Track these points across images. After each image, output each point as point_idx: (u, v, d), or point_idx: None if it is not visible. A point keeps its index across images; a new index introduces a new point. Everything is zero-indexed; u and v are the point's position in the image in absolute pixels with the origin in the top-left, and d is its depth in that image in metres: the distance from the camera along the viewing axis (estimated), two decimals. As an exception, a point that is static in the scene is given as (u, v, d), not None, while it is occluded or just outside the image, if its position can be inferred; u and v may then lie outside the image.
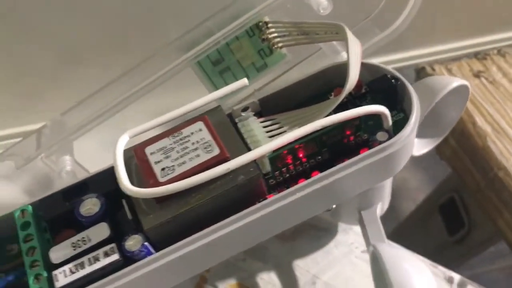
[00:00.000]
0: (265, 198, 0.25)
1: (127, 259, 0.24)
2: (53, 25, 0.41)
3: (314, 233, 0.30)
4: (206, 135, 0.25)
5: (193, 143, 0.25)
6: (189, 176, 0.24)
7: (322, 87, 0.30)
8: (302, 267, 0.35)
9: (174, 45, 0.31)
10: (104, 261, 0.24)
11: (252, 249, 0.27)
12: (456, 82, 0.30)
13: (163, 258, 0.24)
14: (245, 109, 0.28)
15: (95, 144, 0.33)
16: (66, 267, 0.24)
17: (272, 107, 0.29)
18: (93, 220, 0.25)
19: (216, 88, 0.34)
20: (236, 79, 0.33)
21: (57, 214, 0.26)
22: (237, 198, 0.25)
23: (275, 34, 0.32)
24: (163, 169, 0.25)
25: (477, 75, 0.49)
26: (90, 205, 0.26)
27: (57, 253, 0.25)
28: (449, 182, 0.57)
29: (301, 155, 0.27)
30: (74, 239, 0.25)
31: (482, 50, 0.55)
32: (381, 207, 0.34)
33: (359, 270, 0.35)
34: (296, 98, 0.30)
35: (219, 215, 0.25)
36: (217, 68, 0.33)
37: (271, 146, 0.25)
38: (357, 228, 0.37)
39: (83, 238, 0.25)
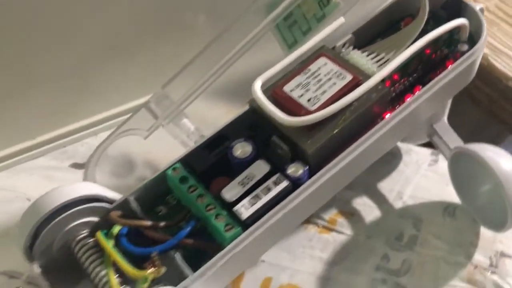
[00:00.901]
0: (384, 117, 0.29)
1: (294, 184, 0.27)
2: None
3: (384, 158, 0.34)
4: (332, 66, 0.29)
5: (325, 75, 0.29)
6: (336, 101, 0.27)
7: (392, 19, 0.34)
8: (386, 187, 0.40)
9: (255, 8, 0.34)
10: (276, 189, 0.27)
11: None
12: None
13: (323, 176, 0.28)
14: (343, 45, 0.32)
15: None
16: (244, 202, 0.27)
17: (362, 40, 0.33)
18: (249, 160, 0.28)
19: (286, 41, 0.37)
20: (302, 31, 0.37)
21: (208, 165, 0.29)
22: (369, 116, 0.29)
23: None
24: (308, 100, 0.28)
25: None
26: (241, 149, 0.29)
27: (229, 193, 0.27)
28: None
29: (396, 77, 0.32)
30: (239, 179, 0.28)
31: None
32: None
33: (432, 180, 0.40)
34: (374, 32, 0.34)
35: (357, 133, 0.29)
36: (287, 23, 0.37)
37: (391, 67, 0.29)
38: (416, 148, 0.42)
39: (247, 176, 0.28)
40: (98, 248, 0.27)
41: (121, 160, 0.38)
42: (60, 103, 0.41)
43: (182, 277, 0.26)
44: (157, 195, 0.30)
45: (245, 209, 0.27)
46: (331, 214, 0.38)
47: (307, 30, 0.37)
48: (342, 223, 0.37)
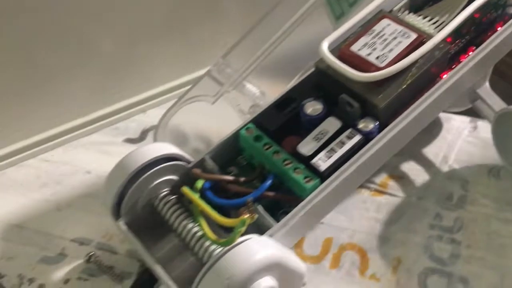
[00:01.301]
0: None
1: (366, 138, 0.29)
2: None
3: (426, 127, 0.35)
4: (396, 26, 0.30)
5: (390, 34, 0.30)
6: (403, 57, 0.29)
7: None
8: (431, 152, 0.41)
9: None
10: (350, 143, 0.28)
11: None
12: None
13: (393, 130, 0.29)
14: (399, 9, 0.33)
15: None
16: (321, 155, 0.28)
17: (416, 4, 0.34)
18: (320, 117, 0.30)
19: (334, 13, 0.39)
20: (348, 3, 0.38)
21: (279, 124, 0.30)
22: (432, 74, 0.30)
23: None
24: (377, 57, 0.29)
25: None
26: (312, 107, 0.30)
27: (305, 148, 0.29)
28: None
29: (450, 40, 0.33)
30: (312, 135, 0.29)
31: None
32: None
33: (474, 145, 0.41)
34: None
35: (420, 90, 0.30)
36: (335, -5, 0.38)
37: (451, 26, 0.30)
38: (455, 116, 0.44)
39: (320, 132, 0.29)
40: (181, 204, 0.28)
41: (176, 132, 0.39)
42: (109, 81, 0.42)
43: (263, 228, 0.27)
44: (229, 155, 0.31)
45: (322, 162, 0.28)
46: (382, 178, 0.39)
47: (353, 2, 0.39)
48: (393, 186, 0.39)
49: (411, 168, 0.40)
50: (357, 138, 0.29)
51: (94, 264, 0.33)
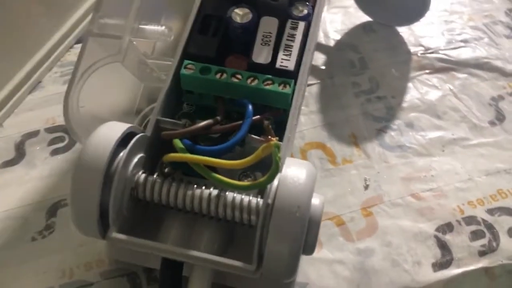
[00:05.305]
0: None
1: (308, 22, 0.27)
2: None
3: None
4: None
5: None
6: None
7: None
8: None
9: None
10: (299, 33, 0.26)
11: None
12: None
13: (320, 5, 0.28)
14: None
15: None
16: (280, 56, 0.26)
17: None
18: (254, 21, 0.27)
19: None
20: None
21: (216, 46, 0.26)
22: None
23: None
24: None
25: None
26: (239, 15, 0.27)
27: (260, 57, 0.26)
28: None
29: None
30: (258, 42, 0.26)
31: None
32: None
33: (341, 14, 0.43)
34: None
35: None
36: None
37: None
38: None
39: (264, 35, 0.26)
40: (165, 178, 0.23)
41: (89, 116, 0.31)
42: None
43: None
44: (175, 108, 0.26)
45: (287, 62, 0.26)
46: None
47: None
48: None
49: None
50: (302, 25, 0.27)
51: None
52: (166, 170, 0.24)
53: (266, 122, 0.21)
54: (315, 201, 0.22)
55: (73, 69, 0.27)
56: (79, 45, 0.39)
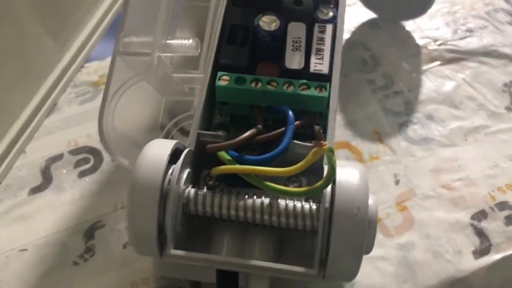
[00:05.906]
0: None
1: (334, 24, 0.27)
2: None
3: None
4: None
5: None
6: None
7: None
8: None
9: None
10: (328, 35, 0.27)
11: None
12: None
13: (342, 6, 0.28)
14: None
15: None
16: (313, 60, 0.26)
17: None
18: (283, 27, 0.27)
19: None
20: None
21: (247, 55, 0.26)
22: None
23: None
24: None
25: None
26: (267, 23, 0.27)
27: (293, 63, 0.26)
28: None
29: None
30: (288, 47, 0.26)
31: None
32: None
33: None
34: None
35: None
36: None
37: None
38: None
39: (294, 41, 0.27)
40: (213, 191, 0.23)
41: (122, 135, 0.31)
42: None
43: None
44: (209, 121, 0.27)
45: (320, 66, 0.26)
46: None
47: None
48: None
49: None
50: (329, 28, 0.27)
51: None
52: (210, 182, 0.24)
53: (317, 128, 0.22)
54: (370, 200, 0.22)
55: (104, 90, 0.27)
56: (89, 64, 0.40)
